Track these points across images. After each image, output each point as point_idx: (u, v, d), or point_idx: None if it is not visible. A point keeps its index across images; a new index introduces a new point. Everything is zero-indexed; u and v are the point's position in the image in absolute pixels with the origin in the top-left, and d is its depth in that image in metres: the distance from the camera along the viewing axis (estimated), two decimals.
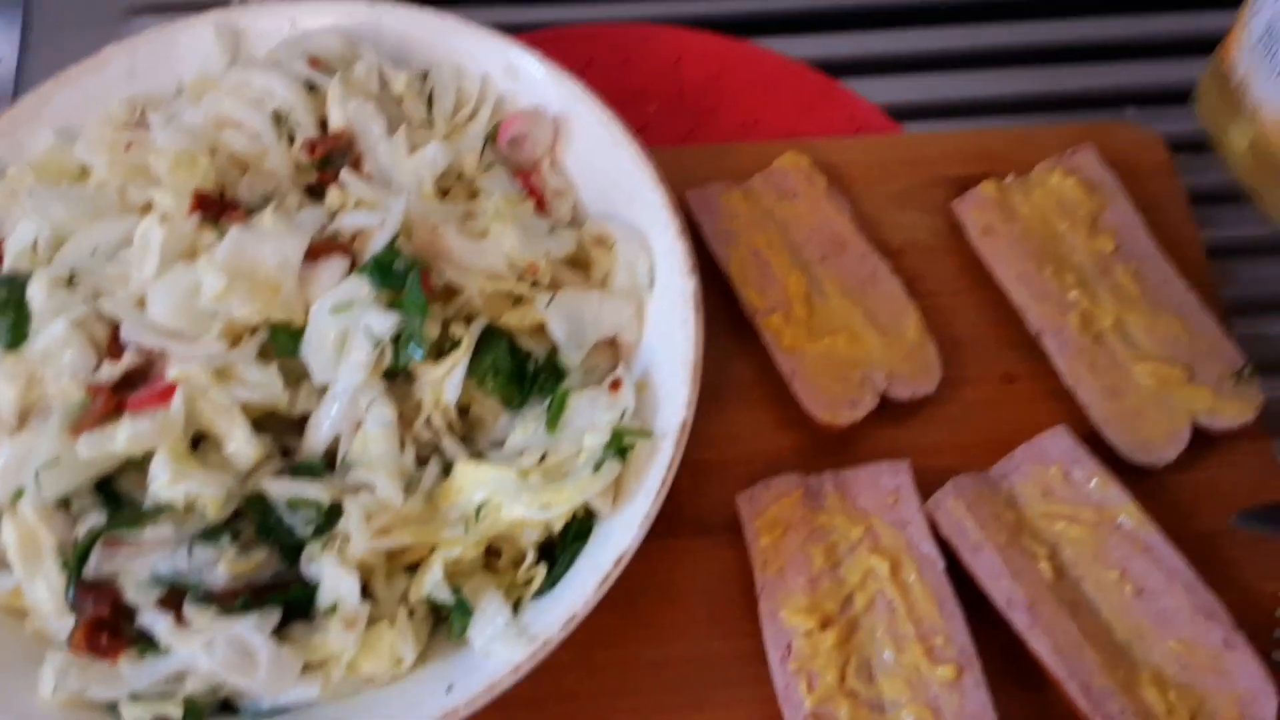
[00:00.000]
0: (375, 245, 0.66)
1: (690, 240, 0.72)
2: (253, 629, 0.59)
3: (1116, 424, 0.77)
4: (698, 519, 0.77)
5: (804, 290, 0.81)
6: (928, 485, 0.74)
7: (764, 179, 0.87)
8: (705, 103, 0.96)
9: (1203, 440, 0.77)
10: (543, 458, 0.66)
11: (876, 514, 0.73)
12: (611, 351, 0.73)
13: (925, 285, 0.85)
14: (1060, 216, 0.84)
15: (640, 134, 0.94)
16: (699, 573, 0.74)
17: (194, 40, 0.78)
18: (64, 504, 0.63)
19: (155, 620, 0.59)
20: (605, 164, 0.76)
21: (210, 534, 0.61)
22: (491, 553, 0.67)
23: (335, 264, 0.67)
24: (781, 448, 0.79)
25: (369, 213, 0.68)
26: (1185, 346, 0.79)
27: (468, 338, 0.67)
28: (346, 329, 0.65)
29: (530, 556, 0.65)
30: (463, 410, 0.70)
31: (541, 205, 0.77)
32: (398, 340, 0.65)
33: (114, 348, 0.65)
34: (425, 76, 0.79)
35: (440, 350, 0.67)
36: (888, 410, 0.79)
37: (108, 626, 0.59)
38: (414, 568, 0.66)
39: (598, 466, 0.64)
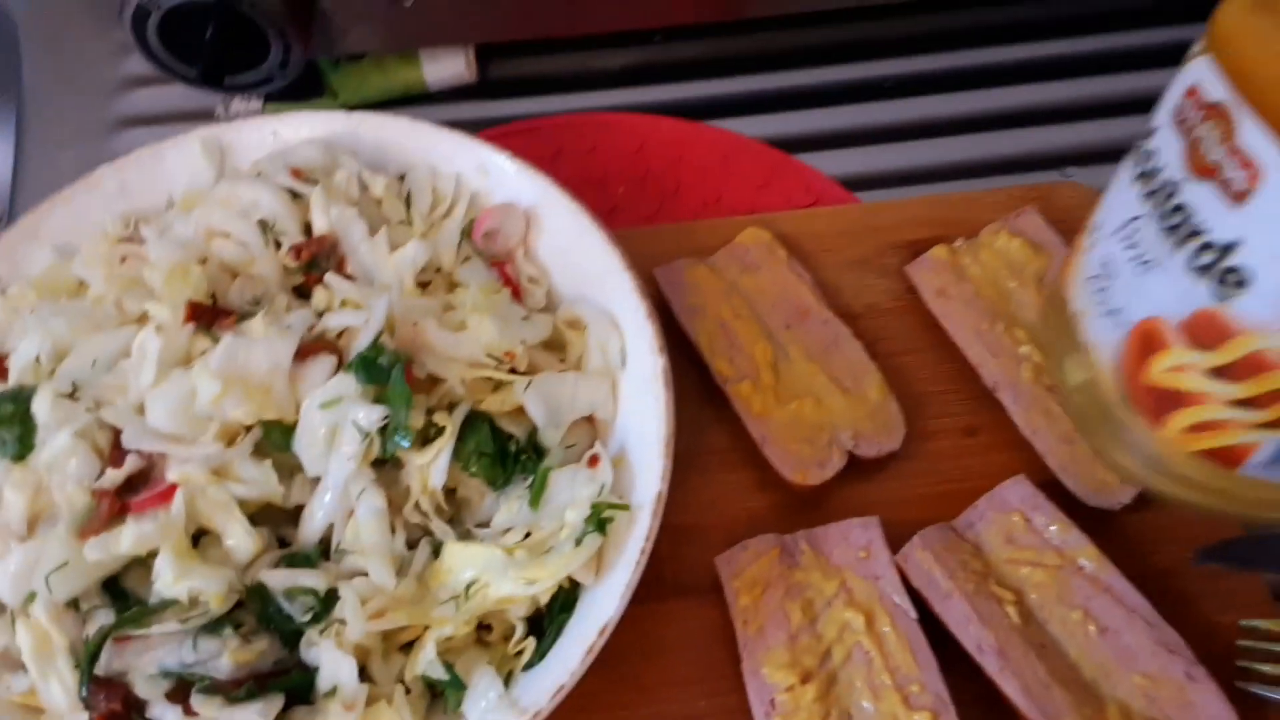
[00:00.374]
0: (360, 343, 0.70)
1: (659, 320, 0.76)
2: (257, 716, 0.62)
3: (1073, 470, 0.81)
4: (679, 582, 0.80)
5: (770, 358, 0.86)
6: (898, 537, 0.78)
7: (727, 253, 0.92)
8: (669, 184, 1.02)
9: None
10: (527, 535, 0.70)
11: (849, 569, 0.77)
12: (589, 428, 0.77)
13: (886, 346, 0.89)
14: (1009, 275, 0.89)
15: (609, 216, 1.00)
16: (682, 633, 0.78)
17: (182, 156, 0.83)
18: (73, 604, 0.66)
19: (165, 713, 0.62)
20: (576, 251, 0.81)
21: (213, 626, 0.64)
22: (483, 627, 0.70)
23: (323, 362, 0.71)
24: (757, 509, 0.83)
25: (354, 312, 0.72)
26: None
27: (451, 425, 0.70)
28: (336, 423, 0.69)
29: (519, 630, 0.69)
30: (449, 492, 0.74)
31: (517, 293, 0.81)
32: (384, 431, 0.69)
33: (116, 454, 0.69)
34: (402, 178, 0.84)
35: (426, 438, 0.71)
36: (856, 468, 0.83)
37: None
38: (409, 646, 0.69)
39: (579, 541, 0.68)
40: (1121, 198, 0.66)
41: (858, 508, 0.81)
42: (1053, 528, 0.77)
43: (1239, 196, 0.55)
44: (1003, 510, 0.79)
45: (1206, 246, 0.57)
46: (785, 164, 1.02)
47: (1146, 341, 0.61)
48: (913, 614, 0.74)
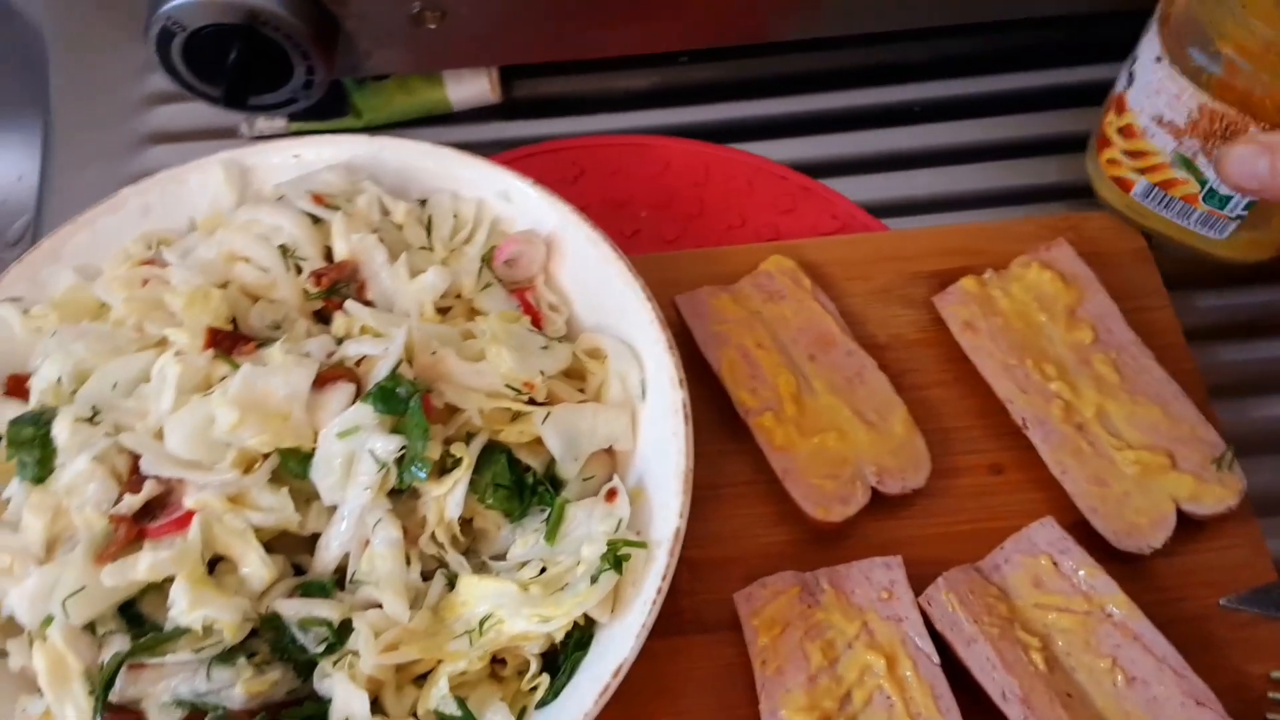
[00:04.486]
0: (378, 373, 0.69)
1: (679, 352, 0.75)
2: None
3: (1103, 512, 0.79)
4: (696, 618, 0.79)
5: (794, 389, 0.84)
6: (921, 576, 0.77)
7: (751, 281, 0.91)
8: (692, 207, 1.01)
9: (1189, 525, 0.79)
10: (543, 569, 0.69)
11: (871, 609, 0.75)
12: (608, 460, 0.76)
13: (911, 379, 0.87)
14: (1039, 309, 0.87)
15: (631, 238, 0.99)
16: (700, 670, 0.76)
17: (204, 179, 0.83)
18: (89, 627, 0.66)
19: None
20: (596, 280, 0.80)
21: (227, 656, 0.64)
22: (497, 661, 0.70)
23: (342, 390, 0.70)
24: (777, 544, 0.81)
25: (373, 340, 0.72)
26: (1166, 433, 0.81)
27: (468, 456, 0.70)
28: (353, 452, 0.69)
29: (534, 666, 0.68)
30: (466, 523, 0.73)
31: (537, 321, 0.80)
32: (401, 461, 0.69)
33: (134, 479, 0.69)
34: (424, 203, 0.84)
35: (443, 468, 0.70)
36: (880, 503, 0.82)
37: None
38: (423, 679, 0.69)
39: (595, 579, 0.67)
40: None
41: (880, 545, 0.79)
42: (1081, 572, 0.76)
43: None
44: (1030, 553, 0.77)
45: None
46: (810, 189, 1.01)
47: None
48: (935, 659, 0.73)
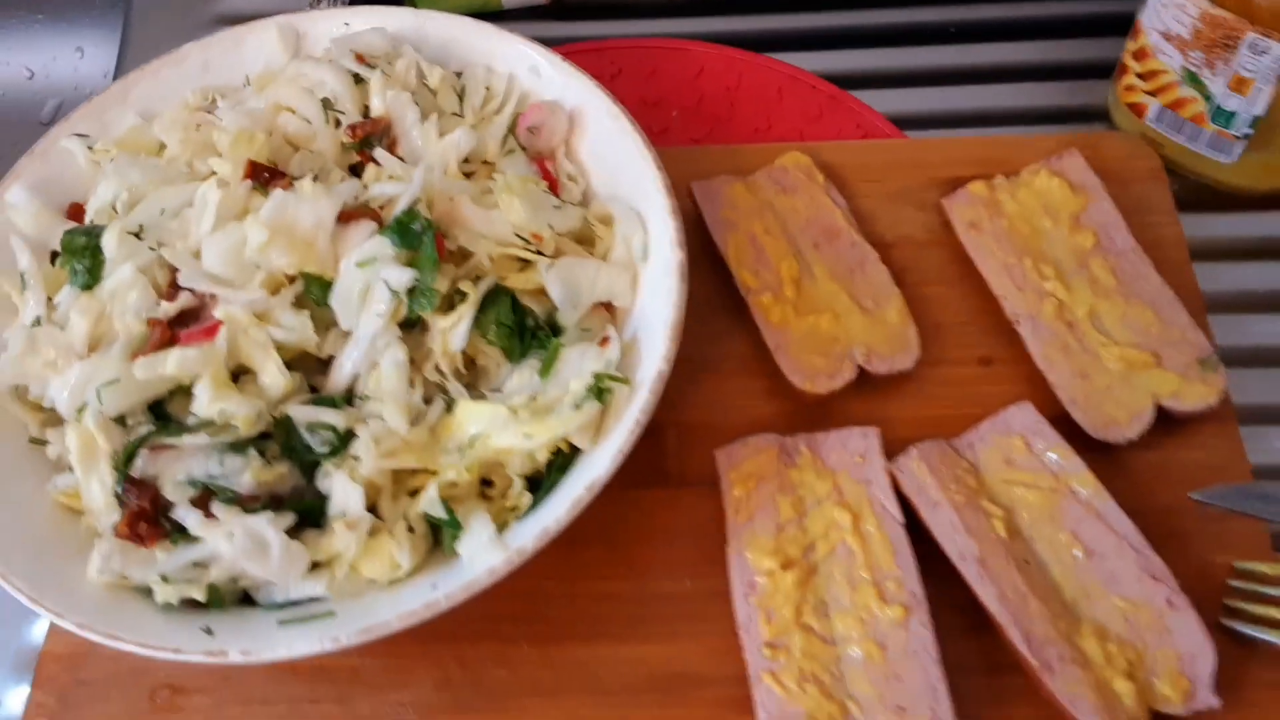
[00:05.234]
0: (398, 209, 0.75)
1: (681, 218, 0.79)
2: (267, 523, 0.68)
3: (1083, 403, 0.81)
4: (681, 473, 0.83)
5: (795, 274, 0.88)
6: (898, 453, 0.80)
7: (766, 174, 0.94)
8: (721, 110, 1.05)
9: (1170, 423, 0.82)
10: (534, 400, 0.74)
11: (844, 472, 0.79)
12: (606, 316, 0.81)
13: (913, 276, 0.91)
14: (1044, 214, 0.90)
15: (660, 135, 1.04)
16: (678, 520, 0.81)
17: (260, 40, 0.89)
18: (120, 421, 0.73)
19: (187, 515, 0.69)
20: (613, 152, 0.85)
21: (239, 446, 0.70)
22: (485, 484, 0.75)
23: (365, 226, 0.76)
24: (764, 414, 0.86)
25: (396, 183, 0.78)
26: (1155, 334, 0.83)
27: (474, 293, 0.75)
28: (369, 282, 0.74)
29: (517, 485, 0.73)
30: (470, 362, 0.78)
31: (555, 188, 0.85)
32: (413, 293, 0.74)
33: (172, 291, 0.76)
34: (459, 75, 0.89)
35: (450, 304, 0.76)
36: (867, 384, 0.85)
37: (147, 518, 0.68)
38: (418, 494, 0.74)
39: (578, 405, 0.72)
40: None
41: (860, 421, 0.83)
42: (1052, 454, 0.78)
43: None
44: (1005, 433, 0.80)
45: None
46: (839, 99, 1.04)
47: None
48: (900, 518, 0.77)
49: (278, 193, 0.75)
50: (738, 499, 0.79)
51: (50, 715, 0.75)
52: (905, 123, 1.03)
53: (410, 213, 0.75)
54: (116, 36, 1.20)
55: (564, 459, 0.74)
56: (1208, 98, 0.87)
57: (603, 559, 0.80)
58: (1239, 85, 0.85)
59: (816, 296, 0.88)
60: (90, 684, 0.76)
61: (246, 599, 0.72)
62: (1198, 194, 0.96)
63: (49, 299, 0.79)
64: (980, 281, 0.89)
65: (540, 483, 0.74)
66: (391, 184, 0.78)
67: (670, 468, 0.84)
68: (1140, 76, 0.92)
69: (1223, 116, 0.87)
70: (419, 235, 0.74)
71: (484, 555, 0.69)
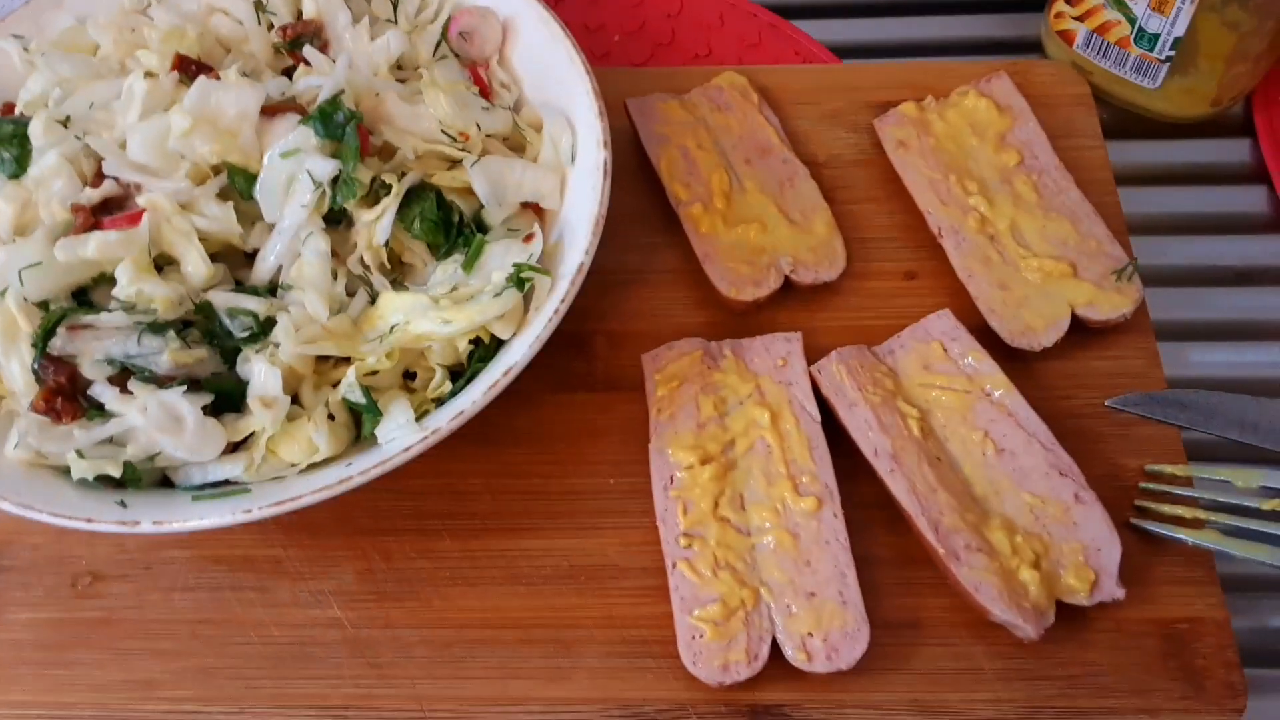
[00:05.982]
0: (320, 99, 0.76)
1: (606, 121, 0.80)
2: (180, 397, 0.68)
3: (1001, 313, 0.83)
4: (609, 379, 0.84)
5: (726, 186, 0.89)
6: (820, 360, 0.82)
7: (702, 92, 0.95)
8: (662, 36, 1.06)
9: (1087, 333, 0.83)
10: (455, 290, 0.75)
11: (766, 375, 0.80)
12: (534, 217, 0.82)
13: (843, 194, 0.92)
14: (971, 133, 0.91)
15: (601, 59, 1.04)
16: (604, 421, 0.82)
17: None
18: (44, 306, 0.73)
19: (104, 392, 0.69)
20: (545, 59, 0.85)
21: (158, 328, 0.71)
22: (409, 376, 0.76)
23: (290, 120, 0.77)
24: (693, 323, 0.87)
25: (320, 76, 0.78)
26: (1073, 246, 0.85)
27: (398, 186, 0.76)
28: (293, 174, 0.75)
29: (438, 375, 0.74)
30: (398, 260, 0.79)
31: (487, 94, 0.86)
32: (336, 183, 0.75)
33: (97, 181, 0.76)
34: None
35: (376, 200, 0.77)
36: (793, 294, 0.87)
37: (64, 393, 0.69)
38: (339, 385, 0.75)
39: (498, 294, 0.73)
40: None
41: (786, 330, 0.84)
42: (969, 358, 0.80)
43: None
44: (924, 340, 0.82)
45: None
46: (778, 26, 1.05)
47: None
48: (816, 416, 0.78)
49: (201, 79, 0.75)
50: (661, 399, 0.80)
51: None
52: (843, 51, 1.04)
53: (333, 102, 0.75)
54: None
55: (486, 350, 0.75)
56: (1131, 20, 0.89)
57: (528, 458, 0.81)
58: (1160, 5, 0.86)
59: (746, 208, 0.89)
60: (11, 570, 0.77)
61: (167, 484, 0.72)
62: (1125, 122, 0.98)
63: None
64: (908, 199, 0.90)
65: (462, 375, 0.75)
66: (316, 77, 0.79)
67: (598, 374, 0.85)
68: (1068, 2, 0.93)
69: (1146, 38, 0.89)
70: (341, 126, 0.75)
71: (401, 437, 0.70)
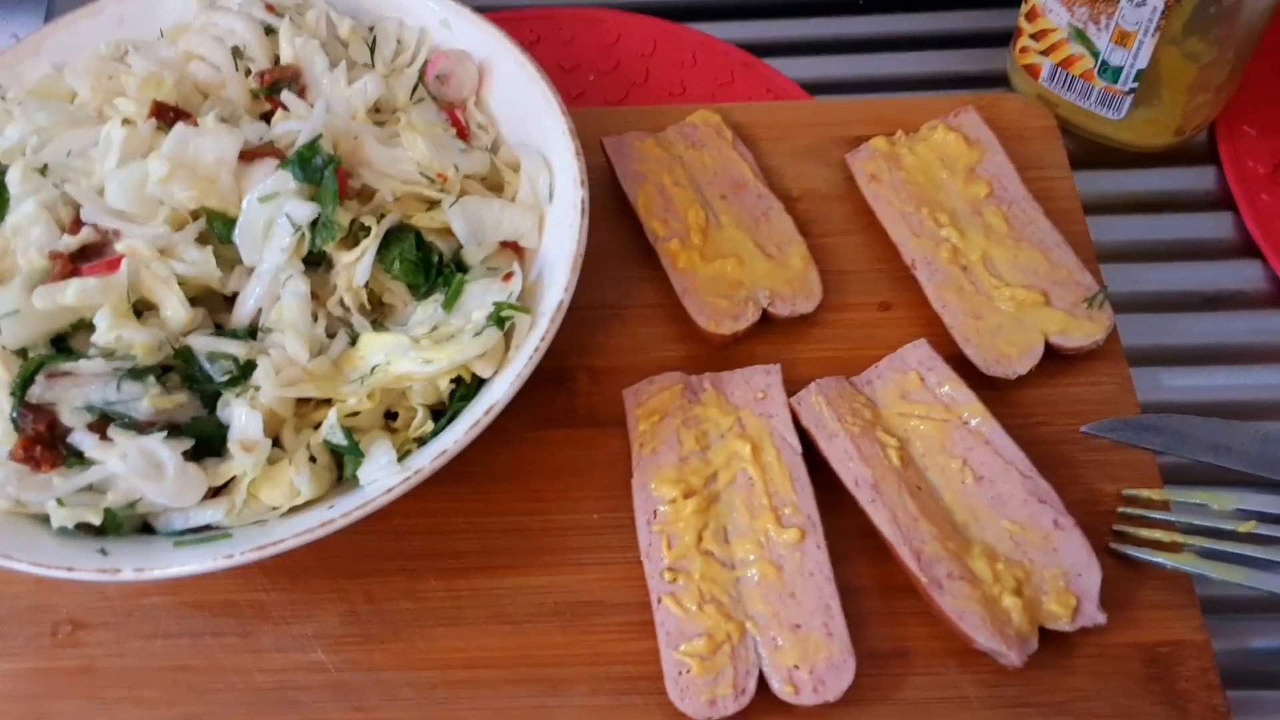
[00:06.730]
0: (298, 143, 0.76)
1: (583, 160, 0.81)
2: (161, 443, 0.68)
3: (976, 342, 0.84)
4: (591, 415, 0.85)
5: (702, 222, 0.90)
6: (799, 392, 0.82)
7: (676, 130, 0.97)
8: (637, 75, 1.07)
9: (1060, 360, 0.84)
10: (436, 330, 0.75)
11: (746, 407, 0.81)
12: (513, 255, 0.82)
13: (817, 227, 0.93)
14: (941, 166, 0.93)
15: (577, 99, 1.06)
16: (587, 458, 0.82)
17: None
18: (22, 354, 0.73)
19: (84, 439, 0.69)
20: (521, 100, 0.86)
21: (138, 373, 0.71)
22: (390, 416, 0.76)
23: (268, 164, 0.77)
24: (672, 357, 0.87)
25: (298, 121, 0.79)
26: (1044, 275, 0.86)
27: (377, 227, 0.76)
28: (272, 218, 0.75)
29: (420, 415, 0.74)
30: (378, 301, 0.80)
31: (464, 135, 0.87)
32: (315, 226, 0.75)
33: (75, 228, 0.76)
34: (371, 29, 0.91)
35: (356, 242, 0.77)
36: (770, 327, 0.87)
37: (43, 441, 0.68)
38: (320, 428, 0.75)
39: (479, 333, 0.73)
40: None
41: (764, 362, 0.85)
42: (945, 387, 0.81)
43: None
44: (901, 370, 0.83)
45: None
46: (750, 65, 1.07)
47: None
48: (798, 448, 0.78)
49: (180, 126, 0.76)
50: (643, 433, 0.80)
51: None
52: (814, 88, 1.06)
53: (311, 147, 0.76)
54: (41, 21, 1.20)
55: (467, 389, 0.75)
56: (1095, 53, 0.91)
57: (511, 495, 0.81)
58: (1122, 38, 0.88)
59: (722, 243, 0.90)
60: None
61: (148, 530, 0.72)
62: (1091, 152, 1.00)
63: None
64: (881, 232, 0.91)
65: (444, 414, 0.75)
66: (294, 121, 0.79)
67: (580, 410, 0.85)
68: (1033, 37, 0.95)
69: (1109, 71, 0.91)
70: (320, 170, 0.76)
71: (383, 478, 0.70)
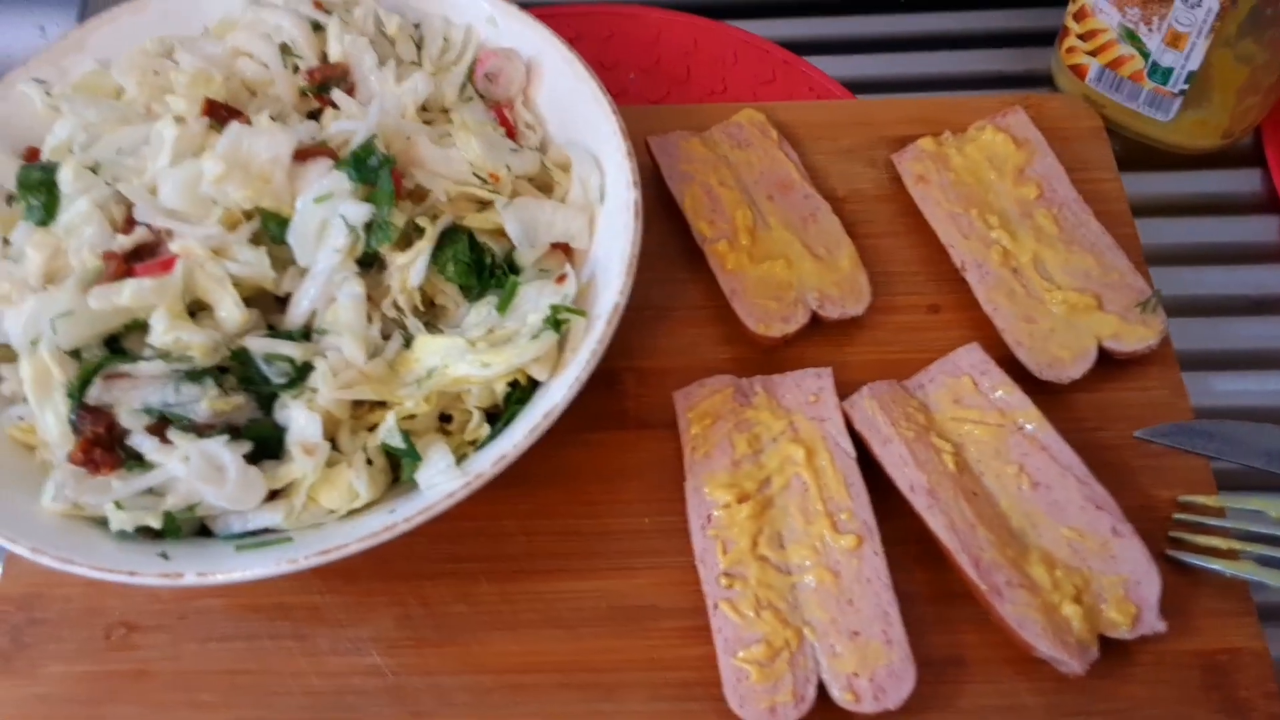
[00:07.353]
0: (354, 144, 0.76)
1: (635, 161, 0.80)
2: (223, 446, 0.67)
3: (1028, 345, 0.84)
4: (640, 417, 0.84)
5: (750, 223, 0.90)
6: (849, 395, 0.81)
7: (721, 129, 0.96)
8: (679, 72, 1.06)
9: (1112, 365, 0.84)
10: (491, 333, 0.75)
11: (798, 411, 0.81)
12: (564, 257, 0.82)
13: (864, 228, 0.93)
14: (989, 168, 0.92)
15: (618, 97, 1.04)
16: (637, 461, 0.82)
17: None
18: (76, 355, 0.73)
19: (143, 442, 0.68)
20: (570, 99, 0.86)
21: (196, 375, 0.70)
22: (445, 419, 0.76)
23: (322, 164, 0.76)
24: (720, 360, 0.87)
25: (352, 120, 0.78)
26: (1096, 279, 0.86)
27: (432, 229, 0.76)
28: (326, 219, 0.75)
29: (475, 418, 0.74)
30: (430, 302, 0.79)
31: (512, 135, 0.86)
32: (370, 228, 0.75)
33: (128, 227, 0.75)
34: (418, 26, 0.90)
35: (409, 242, 0.77)
36: (820, 329, 0.87)
37: (102, 444, 0.68)
38: (376, 429, 0.74)
39: (535, 336, 0.72)
40: None
41: (814, 365, 0.84)
42: (999, 392, 0.80)
43: None
44: (953, 374, 0.82)
45: None
46: (791, 63, 1.06)
47: None
48: (851, 452, 0.78)
49: (234, 125, 0.75)
50: (695, 437, 0.80)
51: (3, 656, 0.75)
52: (856, 87, 1.05)
53: (366, 147, 0.75)
54: (75, 15, 1.19)
55: (522, 392, 0.74)
56: (1145, 54, 0.90)
57: (562, 499, 0.80)
58: (1174, 40, 0.88)
59: (770, 244, 0.89)
60: (44, 623, 0.76)
61: (205, 533, 0.72)
62: (1139, 153, 1.00)
63: (3, 238, 0.79)
64: (929, 233, 0.91)
65: (499, 418, 0.75)
66: (348, 121, 0.79)
67: (629, 412, 0.85)
68: (1081, 37, 0.95)
69: (1159, 73, 0.90)
70: (375, 170, 0.75)
71: (442, 482, 0.70)
